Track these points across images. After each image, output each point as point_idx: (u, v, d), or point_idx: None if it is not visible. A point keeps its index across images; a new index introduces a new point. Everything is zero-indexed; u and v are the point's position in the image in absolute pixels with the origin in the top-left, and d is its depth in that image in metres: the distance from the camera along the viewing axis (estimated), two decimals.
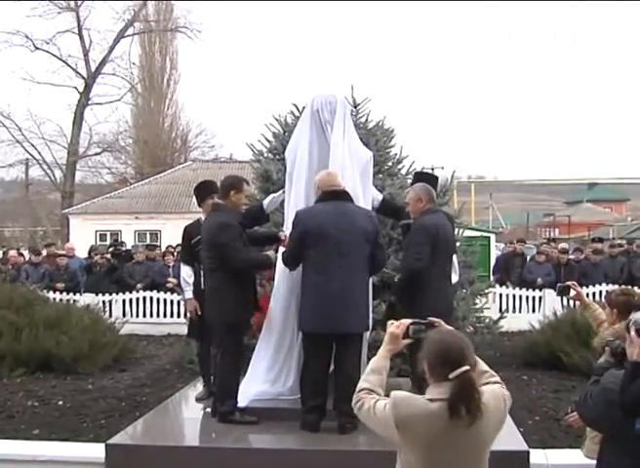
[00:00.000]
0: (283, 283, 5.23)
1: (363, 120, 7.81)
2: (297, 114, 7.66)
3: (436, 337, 2.57)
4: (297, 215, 4.92)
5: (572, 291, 4.58)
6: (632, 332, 2.74)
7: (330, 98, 5.48)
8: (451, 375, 2.44)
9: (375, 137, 7.66)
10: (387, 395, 2.59)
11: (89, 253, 13.77)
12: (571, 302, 11.31)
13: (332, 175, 5.03)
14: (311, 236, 4.79)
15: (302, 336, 5.01)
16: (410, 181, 6.49)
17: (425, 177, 5.85)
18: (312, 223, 4.81)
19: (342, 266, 4.80)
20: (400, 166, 7.99)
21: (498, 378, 2.67)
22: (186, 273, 5.95)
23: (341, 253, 4.79)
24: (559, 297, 11.59)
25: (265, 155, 7.90)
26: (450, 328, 2.73)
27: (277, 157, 7.65)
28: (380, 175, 7.84)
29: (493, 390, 2.58)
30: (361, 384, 2.67)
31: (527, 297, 12.23)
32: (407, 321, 2.73)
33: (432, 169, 33.80)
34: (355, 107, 7.78)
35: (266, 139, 7.84)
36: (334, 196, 4.93)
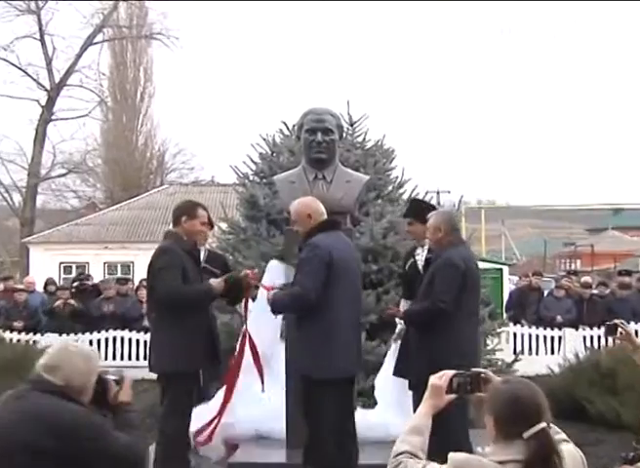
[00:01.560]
0: (268, 325, 5.27)
1: (360, 139, 7.91)
2: (286, 133, 7.74)
3: (505, 388, 2.45)
4: (316, 244, 4.88)
5: (619, 330, 4.51)
6: None
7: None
8: (526, 434, 2.33)
9: (373, 158, 7.75)
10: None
11: (44, 288, 13.58)
12: (596, 343, 11.36)
13: (317, 201, 5.11)
14: (338, 268, 4.83)
15: (320, 385, 4.82)
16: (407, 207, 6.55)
17: (422, 207, 5.92)
18: (337, 255, 4.84)
19: (357, 301, 5.02)
20: (401, 190, 8.07)
21: (564, 435, 2.60)
22: None
23: (358, 289, 5.03)
24: (581, 338, 11.60)
25: (251, 178, 7.97)
26: (522, 379, 2.59)
27: (264, 181, 7.72)
28: (380, 201, 7.91)
29: (569, 451, 2.50)
30: (400, 446, 2.54)
31: (544, 337, 12.20)
32: (450, 372, 2.64)
33: (438, 192, 33.89)
34: (351, 125, 7.88)
35: (252, 161, 7.92)
36: (333, 226, 5.01)
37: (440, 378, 2.62)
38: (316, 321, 4.73)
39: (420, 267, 5.77)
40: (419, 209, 5.88)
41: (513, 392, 2.41)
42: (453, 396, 2.60)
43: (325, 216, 5.03)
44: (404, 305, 5.91)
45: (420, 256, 5.86)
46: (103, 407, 3.17)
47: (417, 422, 2.59)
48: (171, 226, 5.43)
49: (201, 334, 5.04)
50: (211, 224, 6.14)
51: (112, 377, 3.26)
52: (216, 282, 5.21)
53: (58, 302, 12.30)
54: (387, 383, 5.77)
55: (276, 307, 4.89)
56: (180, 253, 5.11)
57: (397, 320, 5.84)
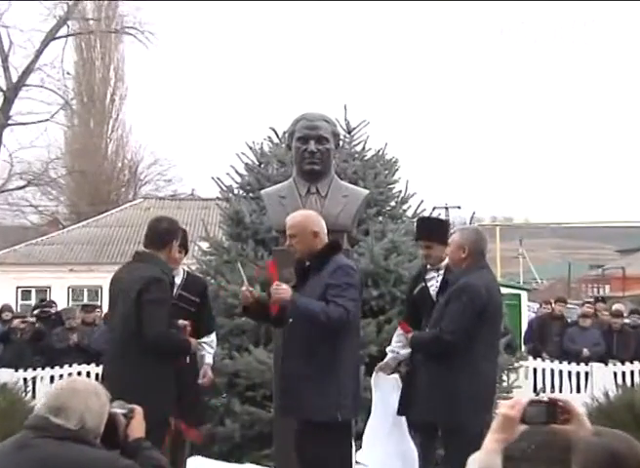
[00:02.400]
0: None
1: (359, 148, 7.95)
2: (275, 141, 7.78)
3: (598, 443, 2.37)
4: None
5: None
6: None
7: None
8: None
9: (373, 170, 7.78)
10: None
11: None
12: (628, 379, 11.34)
13: (322, 219, 5.20)
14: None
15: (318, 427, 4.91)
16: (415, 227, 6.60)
17: (433, 226, 5.95)
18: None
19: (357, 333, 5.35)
20: (405, 206, 8.10)
21: None
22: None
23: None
24: (611, 374, 11.55)
25: (236, 192, 7.99)
26: (617, 431, 2.49)
27: (251, 195, 7.74)
28: (381, 218, 7.93)
29: None
30: None
31: (569, 373, 12.16)
32: (523, 400, 2.54)
33: (446, 208, 34.04)
34: (349, 133, 7.92)
35: (237, 173, 7.94)
36: (340, 248, 5.17)
37: (512, 408, 2.51)
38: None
39: (433, 293, 5.79)
40: (440, 229, 5.90)
41: (608, 448, 2.34)
42: (524, 427, 2.50)
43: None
44: (399, 334, 5.95)
45: (434, 281, 5.89)
46: (113, 445, 3.11)
47: (486, 463, 2.45)
48: (142, 247, 5.45)
49: (170, 381, 5.20)
50: (185, 249, 6.20)
51: (120, 411, 3.21)
52: (194, 344, 5.46)
53: (16, 321, 12.31)
54: (381, 423, 5.75)
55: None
56: (169, 285, 5.23)
57: (392, 347, 5.88)
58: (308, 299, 4.81)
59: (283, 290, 4.77)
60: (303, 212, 5.20)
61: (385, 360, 5.95)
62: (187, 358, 5.83)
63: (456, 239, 5.31)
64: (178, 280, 6.06)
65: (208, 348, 6.14)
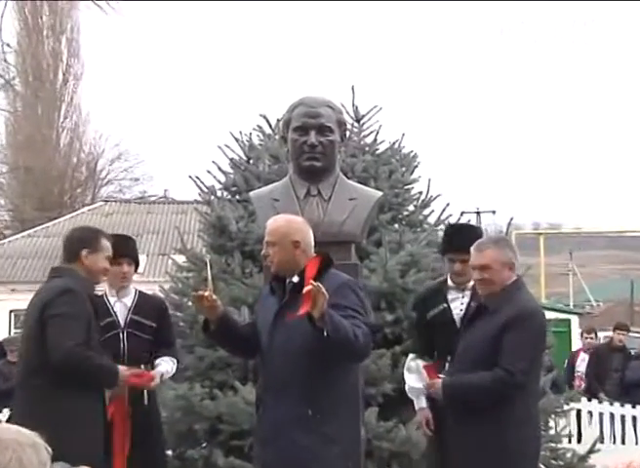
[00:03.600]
0: None
1: (369, 140, 7.99)
2: (268, 132, 7.83)
3: None
4: None
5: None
6: None
7: None
8: None
9: (387, 167, 7.81)
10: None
11: None
12: None
13: (309, 226, 5.22)
14: None
15: None
16: (442, 237, 6.64)
17: (468, 235, 5.96)
18: None
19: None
20: (427, 211, 8.12)
21: None
22: None
23: None
24: None
25: (219, 194, 8.01)
26: None
27: (237, 197, 7.77)
28: (397, 226, 7.97)
29: None
30: None
31: (633, 418, 12.17)
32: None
33: (477, 213, 34.00)
34: (358, 121, 7.97)
35: (220, 170, 7.98)
36: (331, 263, 5.13)
37: None
38: None
39: (457, 318, 5.84)
40: (477, 239, 5.91)
41: None
42: None
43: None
44: (413, 366, 6.00)
45: (459, 303, 5.95)
46: None
47: None
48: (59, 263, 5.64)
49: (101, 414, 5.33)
50: (135, 262, 6.32)
51: None
52: (124, 373, 5.50)
53: None
54: None
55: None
56: (88, 301, 5.31)
57: (413, 384, 5.94)
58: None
59: (323, 294, 4.49)
60: (288, 217, 5.19)
61: (421, 413, 5.99)
62: (146, 398, 5.94)
63: (493, 255, 5.27)
64: (127, 301, 6.20)
65: (167, 360, 6.21)
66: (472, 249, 5.34)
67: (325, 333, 4.52)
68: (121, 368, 5.53)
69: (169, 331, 6.38)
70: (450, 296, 6.01)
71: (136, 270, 6.37)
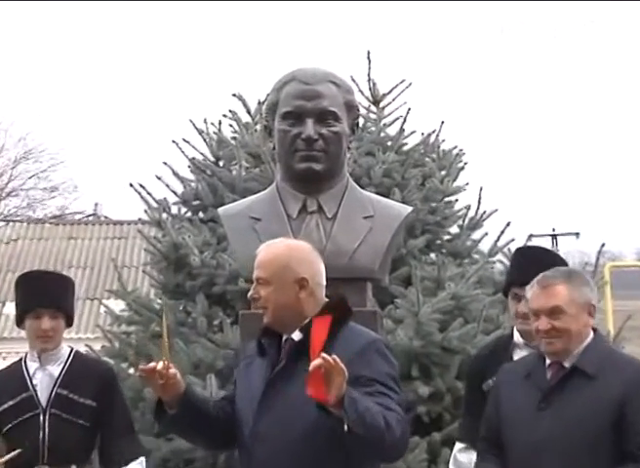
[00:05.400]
0: None
1: (393, 131, 8.03)
2: (245, 119, 7.86)
3: None
4: None
5: None
6: None
7: None
8: None
9: (419, 170, 7.84)
10: None
11: None
12: None
13: (317, 253, 5.20)
14: None
15: None
16: (508, 264, 6.66)
17: (543, 263, 5.99)
18: None
19: None
20: (477, 234, 8.13)
21: None
22: None
23: None
24: None
25: (175, 210, 8.03)
26: None
27: (201, 215, 7.77)
28: (434, 256, 7.99)
29: None
30: None
31: None
32: None
33: (553, 236, 33.98)
34: (376, 104, 7.99)
35: (176, 176, 8.00)
36: (349, 312, 5.11)
37: None
38: None
39: None
40: (542, 257, 6.05)
41: None
42: None
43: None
44: (464, 462, 6.08)
45: None
46: None
47: None
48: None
49: None
50: (66, 314, 6.33)
51: None
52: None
53: None
54: None
55: None
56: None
57: None
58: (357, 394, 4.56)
59: (341, 371, 4.38)
60: (288, 242, 5.15)
61: None
62: None
63: (571, 293, 5.33)
64: (54, 369, 6.21)
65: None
66: (534, 285, 5.34)
67: (345, 426, 4.40)
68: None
69: (119, 414, 6.31)
70: (517, 356, 6.02)
71: (68, 325, 6.35)
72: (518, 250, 7.07)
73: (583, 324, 5.29)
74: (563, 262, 6.22)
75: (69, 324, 6.34)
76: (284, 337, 4.92)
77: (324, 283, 5.00)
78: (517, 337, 6.11)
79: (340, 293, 5.05)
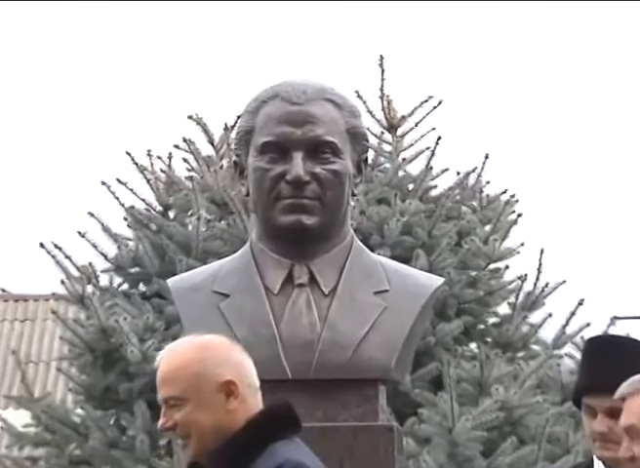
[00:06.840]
0: None
1: (414, 169, 7.97)
2: (206, 153, 7.81)
3: None
4: None
5: None
6: None
7: None
8: None
9: (454, 224, 7.78)
10: None
11: None
12: None
13: (239, 348, 5.15)
14: None
15: None
16: (580, 361, 6.59)
17: (618, 356, 5.91)
18: None
19: None
20: (536, 316, 8.06)
21: None
22: None
23: None
24: None
25: (105, 282, 8.00)
26: None
27: (142, 288, 7.73)
28: (474, 346, 7.94)
29: None
30: None
31: None
32: None
33: None
34: (390, 130, 7.94)
35: (107, 232, 7.95)
36: (295, 424, 4.99)
37: None
38: None
39: None
40: (622, 350, 5.96)
41: None
42: None
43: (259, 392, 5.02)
44: None
45: None
46: None
47: None
48: None
49: None
50: None
51: None
52: None
53: None
54: None
55: None
56: None
57: None
58: None
59: None
60: (193, 340, 5.00)
61: None
62: None
63: None
64: None
65: None
66: (622, 393, 5.26)
67: None
68: None
69: None
70: None
71: None
72: (593, 339, 6.98)
73: None
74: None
75: None
76: None
77: (257, 386, 4.92)
78: (598, 465, 5.97)
79: (281, 403, 4.95)
